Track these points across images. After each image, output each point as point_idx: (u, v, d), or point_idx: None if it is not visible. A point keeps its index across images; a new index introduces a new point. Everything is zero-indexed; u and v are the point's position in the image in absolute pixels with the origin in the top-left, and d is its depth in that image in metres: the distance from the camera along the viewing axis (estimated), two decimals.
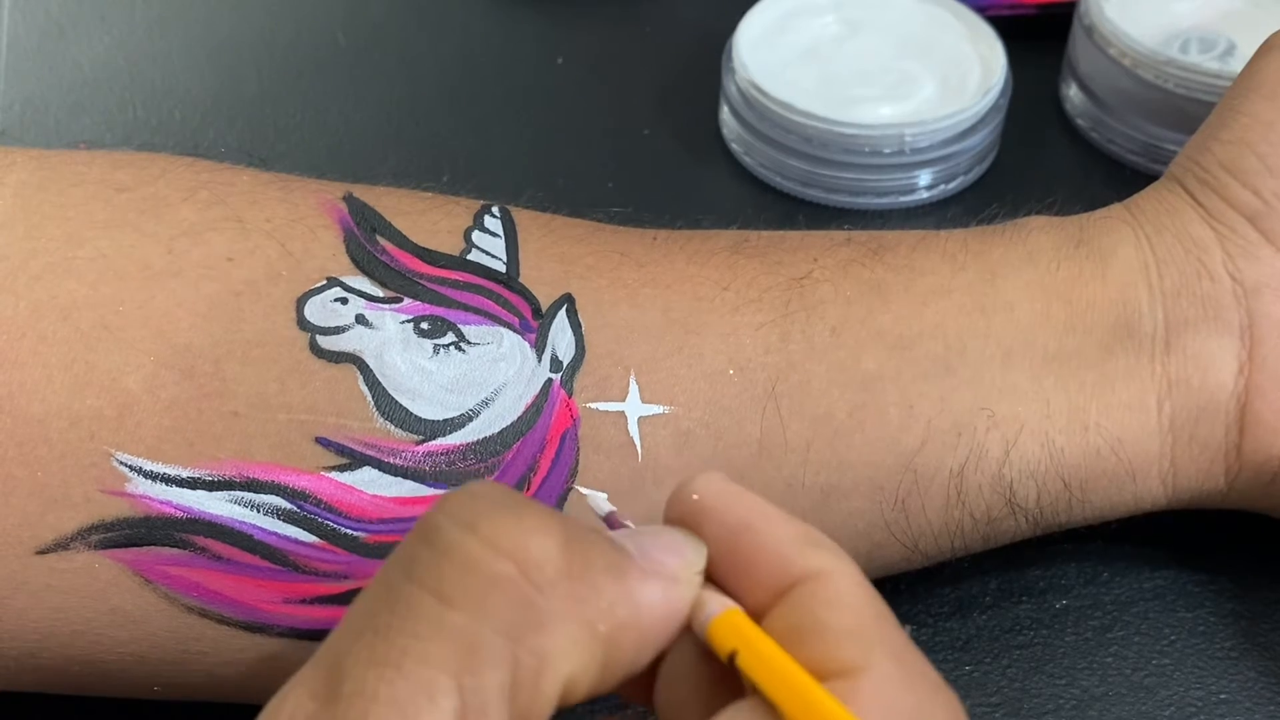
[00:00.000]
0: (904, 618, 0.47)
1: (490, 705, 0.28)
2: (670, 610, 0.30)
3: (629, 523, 0.33)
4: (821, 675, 0.29)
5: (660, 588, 0.30)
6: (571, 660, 0.29)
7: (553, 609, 0.29)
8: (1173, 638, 0.47)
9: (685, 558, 0.31)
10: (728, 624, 0.30)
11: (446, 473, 0.39)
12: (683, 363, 0.41)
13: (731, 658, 0.29)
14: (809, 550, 0.30)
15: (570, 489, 0.40)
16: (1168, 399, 0.43)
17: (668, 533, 0.31)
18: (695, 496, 0.32)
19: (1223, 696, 0.45)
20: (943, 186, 0.60)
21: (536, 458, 0.40)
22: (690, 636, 0.31)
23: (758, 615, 0.30)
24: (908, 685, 0.29)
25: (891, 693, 0.29)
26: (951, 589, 0.48)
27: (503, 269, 0.42)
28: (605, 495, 0.34)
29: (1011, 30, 0.63)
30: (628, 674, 0.31)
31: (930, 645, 0.46)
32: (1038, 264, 0.44)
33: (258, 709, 0.41)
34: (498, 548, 0.29)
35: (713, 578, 0.31)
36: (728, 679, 0.30)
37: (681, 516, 0.32)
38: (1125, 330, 0.43)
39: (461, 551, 0.29)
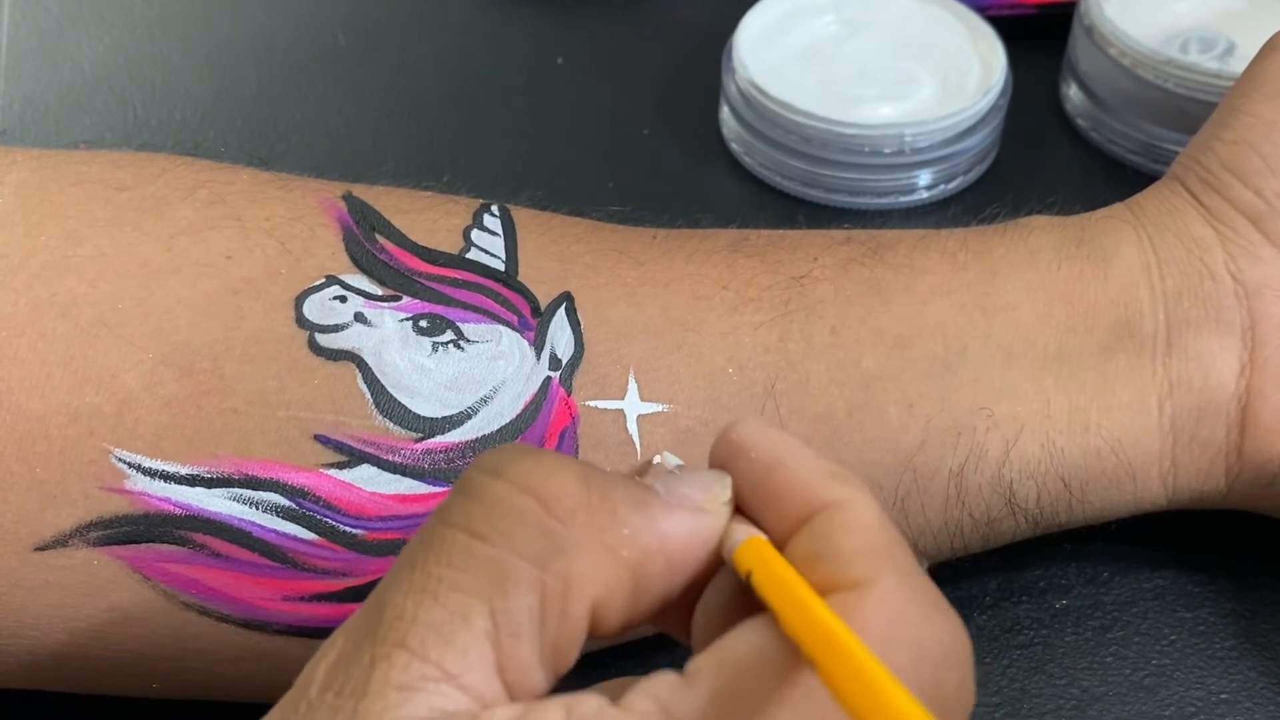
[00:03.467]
0: None
1: (521, 626, 0.29)
2: (696, 539, 0.32)
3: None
4: (831, 590, 0.30)
5: (685, 517, 0.32)
6: (596, 583, 0.30)
7: (574, 537, 0.30)
8: (1173, 638, 0.47)
9: (711, 491, 0.32)
10: (750, 549, 0.31)
11: (445, 470, 0.39)
12: (682, 361, 0.41)
13: (749, 578, 0.31)
14: (832, 483, 0.32)
15: None
16: (1168, 399, 0.43)
17: (695, 472, 0.33)
18: (734, 436, 0.33)
19: (1223, 696, 0.45)
20: (943, 186, 0.60)
21: None
22: (725, 575, 0.32)
23: (783, 543, 0.32)
24: (912, 599, 0.30)
25: (896, 604, 0.30)
26: (951, 589, 0.47)
27: (502, 267, 0.42)
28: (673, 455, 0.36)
29: (1011, 30, 0.63)
30: (660, 602, 0.32)
31: None
32: (1039, 264, 0.44)
33: (257, 707, 0.41)
34: (520, 486, 0.30)
35: (745, 511, 0.33)
36: (758, 610, 0.31)
37: (721, 454, 0.33)
38: (1126, 330, 0.43)
39: (488, 492, 0.30)
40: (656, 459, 0.35)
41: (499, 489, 0.30)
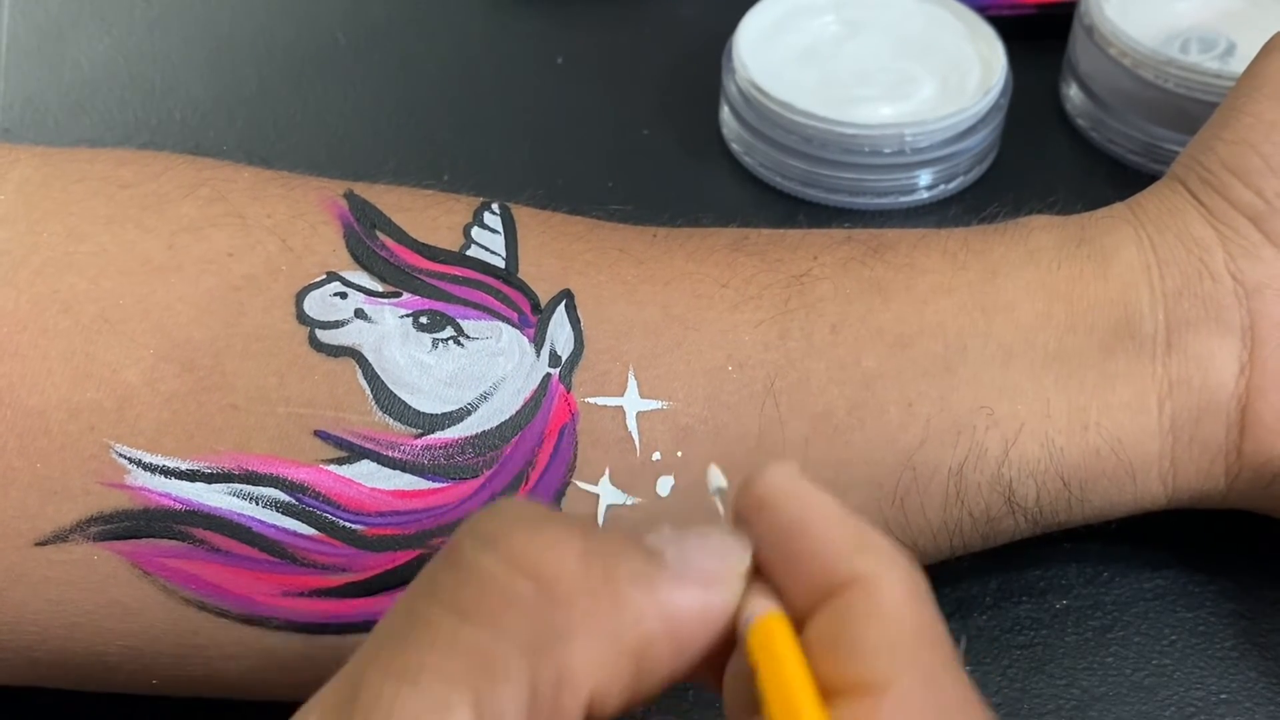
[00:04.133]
0: None
1: None
2: (708, 614, 0.29)
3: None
4: (846, 691, 0.28)
5: (695, 593, 0.29)
6: (593, 675, 0.28)
7: (571, 624, 0.28)
8: (1173, 638, 0.47)
9: (727, 560, 0.30)
10: (763, 630, 0.29)
11: (445, 466, 0.39)
12: (681, 359, 0.41)
13: (755, 668, 0.29)
14: (858, 554, 0.29)
15: (569, 484, 0.40)
16: (1168, 399, 0.43)
17: (713, 534, 0.30)
18: (759, 491, 0.30)
19: (1223, 696, 0.45)
20: (943, 186, 0.60)
21: (535, 452, 0.40)
22: None
23: (803, 618, 0.29)
24: (930, 707, 0.28)
25: (913, 715, 0.27)
26: (951, 589, 0.48)
27: (502, 265, 0.42)
28: (721, 473, 0.33)
29: (1011, 30, 0.63)
30: (669, 682, 0.30)
31: None
32: (1039, 263, 0.44)
33: (256, 705, 0.41)
34: (515, 564, 0.28)
35: (767, 571, 0.30)
36: None
37: (744, 506, 0.31)
38: (1126, 330, 0.43)
39: (479, 568, 0.28)
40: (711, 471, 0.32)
41: (491, 566, 0.28)
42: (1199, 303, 0.43)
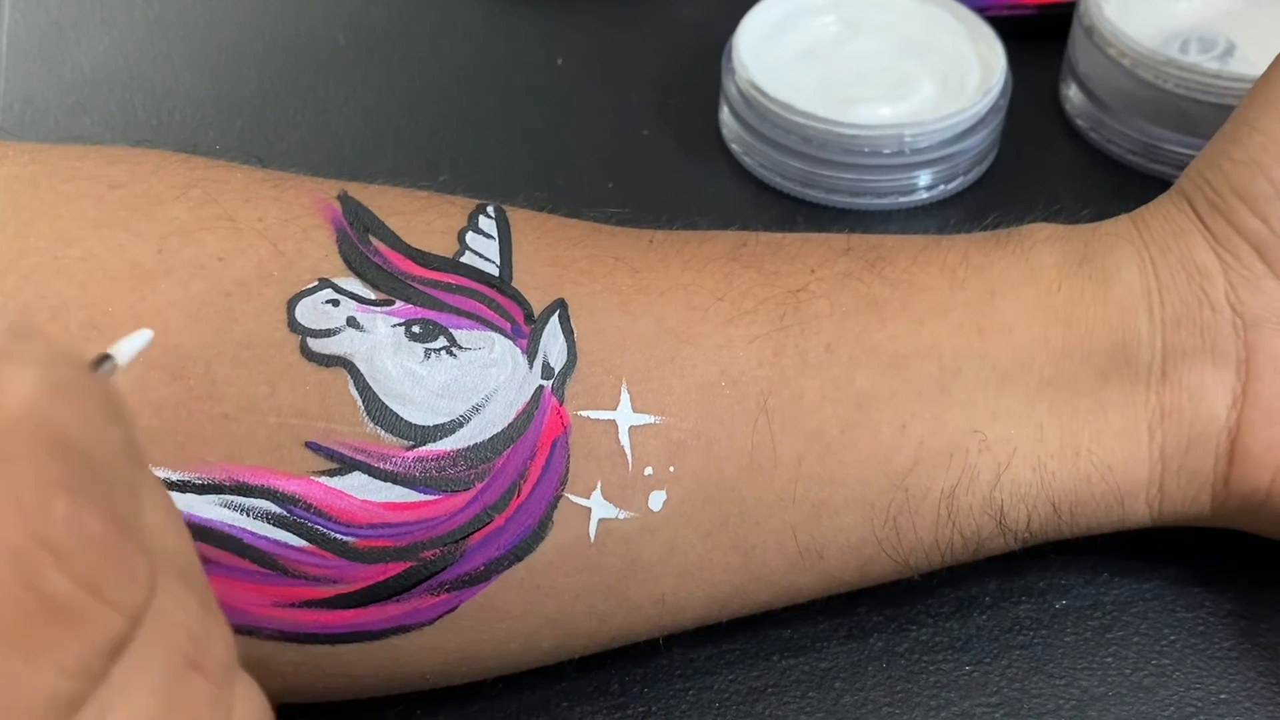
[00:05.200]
0: (904, 618, 0.47)
1: None
2: None
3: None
4: None
5: None
6: None
7: None
8: (1173, 638, 0.47)
9: None
10: None
11: (436, 479, 0.39)
12: (675, 373, 0.41)
13: None
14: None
15: (561, 497, 0.40)
16: (1159, 428, 0.43)
17: None
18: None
19: (1223, 696, 0.45)
20: (942, 187, 0.60)
21: (527, 465, 0.39)
22: None
23: None
24: None
25: None
26: (951, 589, 0.48)
27: (495, 272, 0.41)
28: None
29: (1011, 30, 0.63)
30: None
31: (930, 645, 0.46)
32: (1039, 283, 0.44)
33: None
34: None
35: None
36: None
37: None
38: (1123, 357, 0.43)
39: None
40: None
41: None
42: (1196, 332, 0.43)
